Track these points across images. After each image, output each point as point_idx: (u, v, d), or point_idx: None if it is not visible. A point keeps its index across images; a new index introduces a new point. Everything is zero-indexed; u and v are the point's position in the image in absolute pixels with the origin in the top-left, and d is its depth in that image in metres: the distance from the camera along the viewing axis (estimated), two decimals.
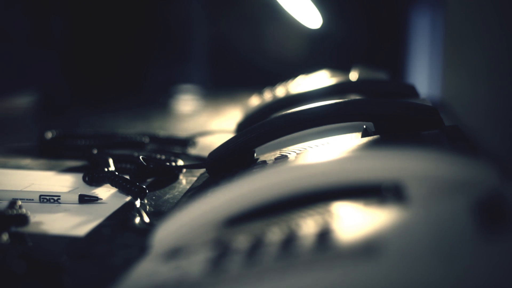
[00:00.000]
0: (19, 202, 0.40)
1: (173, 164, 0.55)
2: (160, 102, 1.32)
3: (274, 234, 0.26)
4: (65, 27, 1.54)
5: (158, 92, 1.51)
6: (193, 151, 0.70)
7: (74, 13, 1.56)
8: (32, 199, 0.45)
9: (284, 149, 0.47)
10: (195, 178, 0.54)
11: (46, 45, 1.45)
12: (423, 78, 1.48)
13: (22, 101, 1.25)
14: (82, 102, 1.29)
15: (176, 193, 0.50)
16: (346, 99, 0.48)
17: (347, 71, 0.95)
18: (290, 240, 0.25)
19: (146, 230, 0.38)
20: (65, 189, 0.50)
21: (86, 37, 1.58)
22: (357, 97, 0.63)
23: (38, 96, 1.32)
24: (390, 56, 1.56)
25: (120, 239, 0.38)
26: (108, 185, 0.50)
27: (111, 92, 1.49)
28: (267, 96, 0.89)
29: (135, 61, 1.62)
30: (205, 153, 0.53)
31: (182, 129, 0.91)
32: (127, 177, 0.49)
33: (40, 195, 0.45)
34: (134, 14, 1.61)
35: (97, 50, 1.59)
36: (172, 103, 1.32)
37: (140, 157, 0.53)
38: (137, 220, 0.42)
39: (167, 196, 0.49)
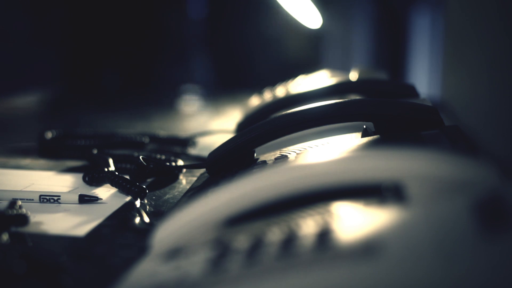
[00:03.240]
0: (19, 202, 0.40)
1: (173, 164, 0.55)
2: (161, 102, 1.32)
3: (274, 234, 0.26)
4: (66, 26, 1.54)
5: (158, 92, 1.51)
6: (193, 151, 0.70)
7: (74, 13, 1.56)
8: (32, 199, 0.45)
9: (284, 149, 0.47)
10: (195, 178, 0.54)
11: (47, 45, 1.45)
12: (423, 78, 1.48)
13: (22, 101, 1.25)
14: (82, 102, 1.29)
15: (176, 193, 0.50)
16: (346, 99, 0.48)
17: (347, 71, 0.95)
18: (290, 240, 0.25)
19: (146, 230, 0.38)
20: (65, 189, 0.50)
21: (86, 37, 1.58)
22: (357, 97, 0.63)
23: (38, 96, 1.32)
24: (390, 56, 1.56)
25: (120, 239, 0.38)
26: (108, 185, 0.50)
27: (111, 92, 1.49)
28: (267, 96, 0.89)
29: (135, 61, 1.62)
30: (205, 153, 0.53)
31: (182, 129, 0.91)
32: (127, 177, 0.49)
33: (40, 195, 0.45)
34: (134, 14, 1.61)
35: (97, 50, 1.59)
36: (172, 103, 1.32)
37: (140, 157, 0.53)
38: (137, 220, 0.42)
39: (167, 196, 0.49)
